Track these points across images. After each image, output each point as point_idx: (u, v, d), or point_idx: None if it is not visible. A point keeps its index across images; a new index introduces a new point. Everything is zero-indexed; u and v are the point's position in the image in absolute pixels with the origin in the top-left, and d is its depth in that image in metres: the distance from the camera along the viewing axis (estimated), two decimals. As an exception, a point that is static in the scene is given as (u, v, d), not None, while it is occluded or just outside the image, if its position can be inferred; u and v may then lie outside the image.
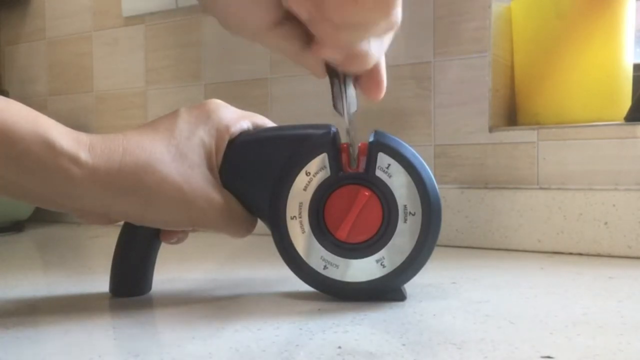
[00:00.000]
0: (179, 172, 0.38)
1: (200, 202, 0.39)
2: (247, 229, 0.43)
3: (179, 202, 0.38)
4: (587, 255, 0.61)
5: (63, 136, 0.36)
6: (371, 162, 0.40)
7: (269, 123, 0.44)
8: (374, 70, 0.40)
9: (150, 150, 0.38)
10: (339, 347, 0.31)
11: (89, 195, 0.37)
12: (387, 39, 0.38)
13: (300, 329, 0.35)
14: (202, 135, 0.40)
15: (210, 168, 0.40)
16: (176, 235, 0.43)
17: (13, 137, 0.34)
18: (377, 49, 0.37)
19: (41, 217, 1.01)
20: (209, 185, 0.39)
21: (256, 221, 0.43)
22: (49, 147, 0.35)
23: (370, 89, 0.41)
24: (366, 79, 0.40)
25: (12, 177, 0.35)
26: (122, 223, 0.44)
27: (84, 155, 0.36)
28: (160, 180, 0.38)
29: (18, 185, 0.36)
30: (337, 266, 0.40)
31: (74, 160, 0.36)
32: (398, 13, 0.36)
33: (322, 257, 0.40)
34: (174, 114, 0.41)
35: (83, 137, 0.37)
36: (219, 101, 0.43)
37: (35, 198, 0.37)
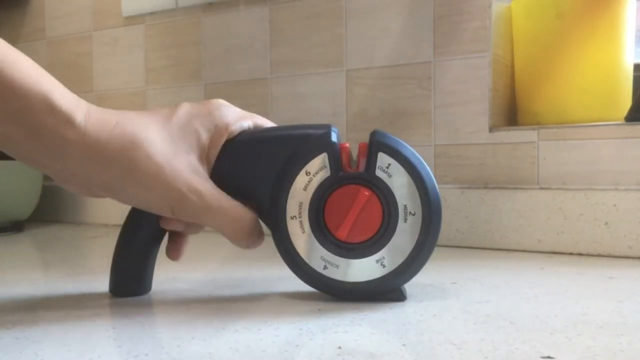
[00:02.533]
0: (164, 153, 0.38)
1: (180, 186, 0.39)
2: (248, 233, 0.41)
3: (159, 182, 0.38)
4: (588, 255, 0.61)
5: (64, 98, 0.37)
6: (371, 162, 0.40)
7: (269, 124, 0.44)
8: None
9: (142, 128, 0.39)
10: (339, 347, 0.31)
11: (75, 159, 0.37)
12: None
13: (300, 329, 0.35)
14: (199, 127, 0.40)
15: (199, 159, 0.40)
16: (173, 222, 0.43)
17: (17, 93, 0.35)
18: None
19: (41, 217, 1.01)
20: (192, 173, 0.39)
21: (262, 232, 0.42)
22: (48, 106, 0.36)
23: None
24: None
25: (5, 130, 0.36)
26: (121, 223, 0.44)
27: (79, 118, 0.37)
28: (145, 156, 0.38)
29: (8, 137, 0.36)
30: (337, 266, 0.40)
31: (69, 122, 0.36)
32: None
33: (322, 257, 0.40)
34: (176, 106, 0.42)
35: (83, 104, 0.38)
36: (222, 101, 0.43)
37: (22, 153, 0.38)
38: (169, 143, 0.39)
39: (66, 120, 0.36)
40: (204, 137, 0.40)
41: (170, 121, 0.40)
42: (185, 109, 0.41)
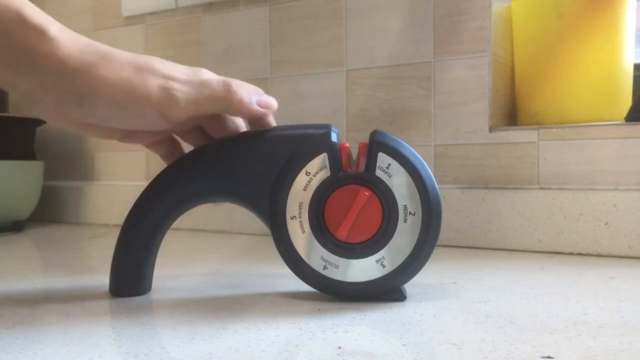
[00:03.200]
0: (137, 59, 0.39)
1: (159, 82, 0.39)
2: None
3: (134, 84, 0.39)
4: (588, 255, 0.61)
5: (36, 14, 0.37)
6: (371, 162, 0.40)
7: (210, 75, 0.43)
8: None
9: (118, 50, 0.40)
10: (339, 347, 0.31)
11: (47, 73, 0.37)
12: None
13: (300, 329, 0.35)
14: (177, 66, 0.41)
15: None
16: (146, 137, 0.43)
17: None
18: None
19: (41, 217, 1.01)
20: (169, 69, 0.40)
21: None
22: (20, 20, 0.36)
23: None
24: None
25: None
26: (121, 223, 0.44)
27: (52, 31, 0.37)
28: (117, 65, 0.39)
29: None
30: (337, 266, 0.40)
31: (42, 34, 0.37)
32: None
33: (322, 257, 0.40)
34: None
35: (57, 23, 0.38)
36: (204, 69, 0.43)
37: None
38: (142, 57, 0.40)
39: (39, 32, 0.37)
40: (182, 71, 0.41)
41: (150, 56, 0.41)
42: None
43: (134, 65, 0.39)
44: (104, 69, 0.38)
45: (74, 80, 0.38)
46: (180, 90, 0.39)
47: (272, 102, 0.43)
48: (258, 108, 0.42)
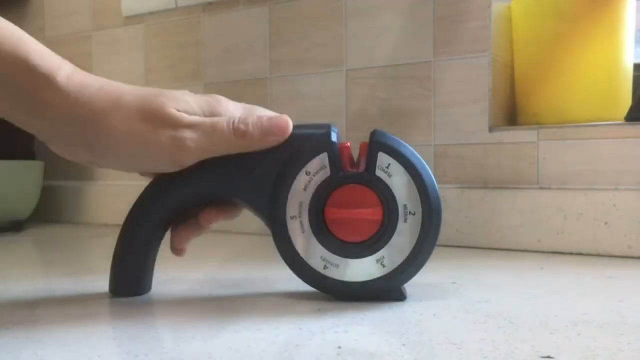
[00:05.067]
0: (148, 103, 0.39)
1: (170, 132, 0.39)
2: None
3: (145, 134, 0.38)
4: (588, 255, 0.61)
5: (44, 60, 0.37)
6: (371, 162, 0.40)
7: (269, 114, 0.43)
8: None
9: (126, 92, 0.39)
10: (339, 347, 0.31)
11: (57, 120, 0.37)
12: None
13: (300, 329, 0.35)
14: (190, 100, 0.40)
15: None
16: (213, 215, 0.43)
17: None
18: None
19: (41, 217, 1.01)
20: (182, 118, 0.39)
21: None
22: (27, 69, 0.36)
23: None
24: None
25: None
26: (121, 223, 0.44)
27: (60, 79, 0.37)
28: (127, 115, 0.38)
29: None
30: (337, 266, 0.40)
31: (49, 83, 0.37)
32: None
33: (322, 257, 0.40)
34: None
35: (67, 65, 0.38)
36: (222, 97, 0.42)
37: (6, 112, 0.38)
38: (152, 103, 0.39)
39: (46, 81, 0.36)
40: (196, 110, 0.40)
41: (161, 91, 0.40)
42: (184, 91, 0.41)
43: (144, 114, 0.38)
44: (115, 119, 0.38)
45: (84, 129, 0.38)
46: (192, 139, 0.39)
47: (286, 126, 0.41)
48: (271, 142, 0.40)
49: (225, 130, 0.39)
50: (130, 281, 0.44)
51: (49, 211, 1.03)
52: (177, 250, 0.44)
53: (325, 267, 0.40)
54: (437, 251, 0.41)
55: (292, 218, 0.40)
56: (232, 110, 0.42)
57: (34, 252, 0.77)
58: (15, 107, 0.37)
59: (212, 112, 0.40)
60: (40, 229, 0.94)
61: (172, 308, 0.41)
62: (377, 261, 0.40)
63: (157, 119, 0.38)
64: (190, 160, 0.40)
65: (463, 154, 0.69)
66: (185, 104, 0.40)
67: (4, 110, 0.38)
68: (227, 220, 0.44)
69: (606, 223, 0.60)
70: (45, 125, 0.38)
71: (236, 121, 0.40)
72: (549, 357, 0.29)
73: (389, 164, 0.40)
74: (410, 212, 0.40)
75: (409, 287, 0.43)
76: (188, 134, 0.39)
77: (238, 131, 0.39)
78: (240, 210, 0.44)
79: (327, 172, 0.40)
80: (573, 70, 0.67)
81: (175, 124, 0.39)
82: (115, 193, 0.94)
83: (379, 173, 0.40)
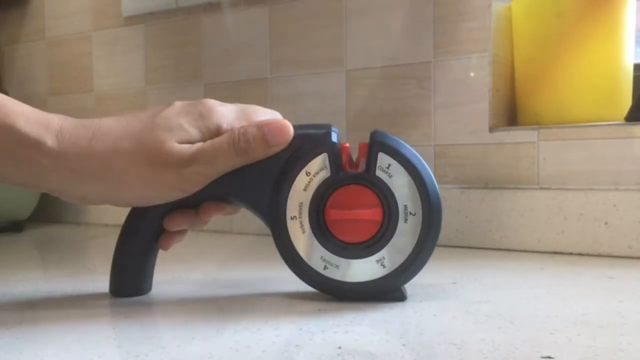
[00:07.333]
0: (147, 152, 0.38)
1: (175, 167, 0.39)
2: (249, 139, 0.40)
3: (151, 177, 0.38)
4: (588, 255, 0.61)
5: (29, 124, 0.36)
6: (371, 162, 0.40)
7: (267, 114, 0.43)
8: None
9: (121, 134, 0.38)
10: (339, 347, 0.31)
11: (56, 179, 0.38)
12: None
13: (300, 329, 0.35)
14: (184, 123, 0.39)
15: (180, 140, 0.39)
16: (176, 221, 0.42)
17: None
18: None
19: (41, 217, 1.01)
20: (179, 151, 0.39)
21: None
22: (15, 137, 0.36)
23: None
24: None
25: None
26: (121, 223, 0.44)
27: (50, 141, 0.37)
28: (129, 164, 0.38)
29: None
30: (337, 266, 0.40)
31: (39, 147, 0.36)
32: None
33: (322, 257, 0.40)
34: (166, 104, 0.41)
35: (54, 122, 0.38)
36: (213, 101, 0.41)
37: (6, 178, 0.38)
38: (149, 134, 0.39)
39: (36, 146, 0.36)
40: (194, 134, 0.39)
41: (155, 118, 0.39)
42: (174, 107, 0.40)
43: (147, 157, 0.38)
44: (119, 167, 0.38)
45: (88, 182, 0.38)
46: (197, 172, 0.39)
47: (287, 133, 0.40)
48: (274, 151, 0.40)
49: (226, 150, 0.39)
50: (130, 281, 0.44)
51: (49, 211, 1.03)
52: (164, 234, 0.43)
53: (325, 268, 0.40)
54: (437, 251, 0.41)
55: (292, 218, 0.40)
56: (227, 114, 0.41)
57: (34, 252, 0.77)
58: (16, 173, 0.38)
59: (207, 126, 0.40)
60: (40, 229, 0.94)
61: (172, 308, 0.41)
62: (377, 261, 0.40)
63: (160, 159, 0.38)
64: (197, 189, 0.40)
65: (463, 154, 0.69)
66: (182, 131, 0.39)
67: (8, 176, 0.38)
68: (226, 215, 0.44)
69: (606, 223, 0.60)
70: (47, 185, 0.39)
71: (236, 138, 0.39)
72: (549, 357, 0.29)
73: (389, 164, 0.40)
74: (410, 213, 0.40)
75: (409, 287, 0.43)
76: (193, 169, 0.39)
77: (240, 150, 0.40)
78: (240, 206, 0.44)
79: (327, 172, 0.40)
80: (573, 70, 0.67)
81: (179, 162, 0.38)
82: (115, 193, 0.94)
83: (379, 173, 0.40)
